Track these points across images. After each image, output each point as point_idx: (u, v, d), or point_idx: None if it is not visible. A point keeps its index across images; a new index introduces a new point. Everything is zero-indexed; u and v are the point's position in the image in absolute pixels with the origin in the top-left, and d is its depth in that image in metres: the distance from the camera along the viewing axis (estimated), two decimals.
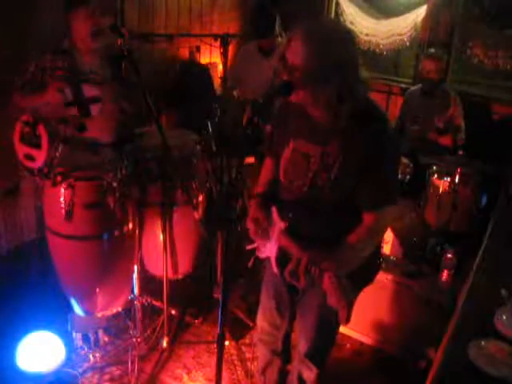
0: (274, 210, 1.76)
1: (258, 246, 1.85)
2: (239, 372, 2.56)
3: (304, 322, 1.91)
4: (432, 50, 3.76)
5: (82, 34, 2.26)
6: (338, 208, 1.66)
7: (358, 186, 1.60)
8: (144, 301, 2.66)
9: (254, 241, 1.85)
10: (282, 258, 1.73)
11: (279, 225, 1.71)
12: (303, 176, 1.69)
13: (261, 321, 2.09)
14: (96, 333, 2.59)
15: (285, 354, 2.13)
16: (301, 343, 1.94)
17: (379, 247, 1.95)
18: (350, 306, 1.37)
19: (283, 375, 2.16)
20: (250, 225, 1.80)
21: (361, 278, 1.79)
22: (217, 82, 4.04)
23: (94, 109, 2.27)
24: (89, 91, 2.25)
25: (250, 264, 1.88)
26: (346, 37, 1.56)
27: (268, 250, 1.81)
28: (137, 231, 2.43)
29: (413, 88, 3.97)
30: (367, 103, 1.62)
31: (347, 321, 1.39)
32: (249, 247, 1.87)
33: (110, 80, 2.34)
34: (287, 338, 2.10)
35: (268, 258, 1.83)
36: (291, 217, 1.69)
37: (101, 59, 2.35)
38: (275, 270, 1.78)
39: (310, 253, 1.54)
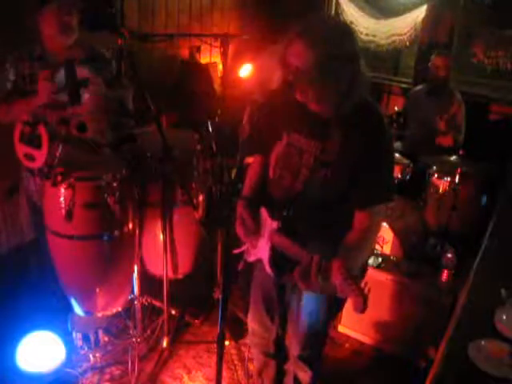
0: (263, 209, 1.74)
1: (246, 249, 1.84)
2: (239, 372, 2.56)
3: (294, 324, 1.91)
4: (439, 51, 3.80)
5: (51, 33, 2.22)
6: (332, 205, 1.66)
7: (353, 184, 1.60)
8: (144, 301, 2.66)
9: (243, 243, 1.84)
10: (276, 258, 1.72)
11: (271, 224, 1.69)
12: (295, 171, 1.68)
13: (251, 323, 2.09)
14: (96, 333, 2.58)
15: (279, 355, 2.12)
16: (293, 345, 1.94)
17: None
18: (364, 294, 1.34)
19: (280, 376, 2.15)
20: (238, 228, 1.79)
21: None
22: (217, 82, 4.04)
23: (84, 96, 2.24)
24: (79, 72, 2.22)
25: (240, 267, 1.87)
26: (348, 31, 1.56)
27: (259, 251, 1.79)
28: (137, 231, 2.43)
29: (417, 88, 3.98)
30: (367, 101, 1.62)
31: (364, 309, 1.34)
32: (236, 251, 1.86)
33: (93, 79, 2.31)
34: (279, 340, 2.09)
35: (258, 260, 1.81)
36: (285, 215, 1.68)
37: (77, 58, 2.33)
38: (269, 270, 1.76)
39: (317, 254, 1.51)
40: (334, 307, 1.97)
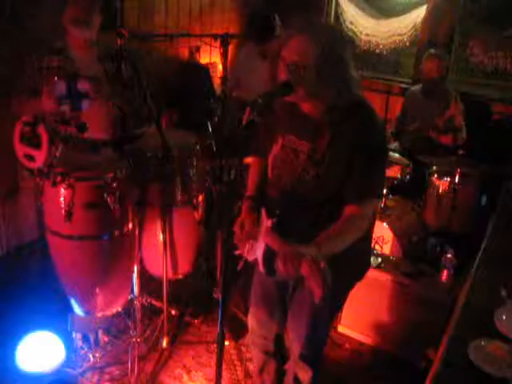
0: (262, 209, 1.77)
1: (246, 250, 1.85)
2: (239, 372, 2.56)
3: (296, 323, 1.91)
4: (432, 51, 3.77)
5: (65, 25, 2.28)
6: (326, 204, 1.67)
7: (344, 181, 1.61)
8: (144, 301, 2.66)
9: (239, 246, 1.85)
10: (269, 256, 1.73)
11: (266, 223, 1.71)
12: (291, 171, 1.70)
13: (251, 321, 2.09)
14: (96, 333, 2.58)
15: (279, 354, 2.13)
16: (294, 345, 1.93)
17: (368, 244, 1.95)
18: (326, 287, 1.40)
19: (280, 375, 2.15)
20: (236, 228, 1.81)
21: (349, 275, 1.80)
22: (217, 82, 4.04)
23: (84, 104, 2.27)
24: (81, 85, 2.26)
25: (239, 267, 1.88)
26: (343, 35, 1.73)
27: (256, 250, 1.81)
28: (137, 231, 2.43)
29: (413, 88, 3.97)
30: (359, 100, 1.64)
31: (321, 300, 1.43)
32: (237, 252, 1.88)
33: (104, 78, 2.34)
34: (279, 339, 2.09)
35: (256, 259, 1.82)
36: (278, 214, 1.69)
37: (95, 56, 2.35)
38: (261, 269, 1.78)
39: (292, 245, 1.53)
40: (335, 307, 1.97)
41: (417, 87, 3.91)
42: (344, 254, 1.60)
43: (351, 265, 1.71)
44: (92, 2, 2.28)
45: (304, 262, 1.43)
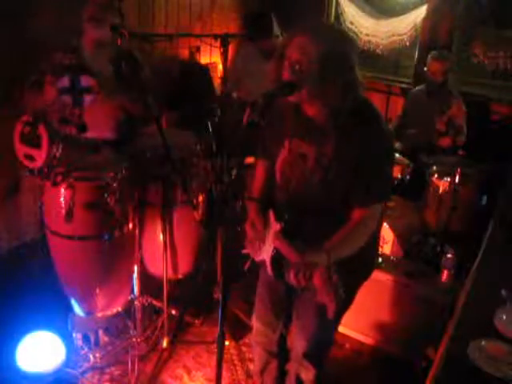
0: (270, 212, 1.77)
1: (254, 250, 1.86)
2: (239, 372, 2.56)
3: (303, 322, 1.91)
4: (438, 52, 3.77)
5: (83, 23, 2.31)
6: (334, 207, 1.66)
7: (353, 183, 1.61)
8: (144, 301, 2.66)
9: (249, 245, 1.86)
10: (278, 259, 1.73)
11: (274, 226, 1.71)
12: (300, 176, 1.70)
13: (255, 322, 2.09)
14: (96, 333, 2.58)
15: (281, 354, 2.13)
16: (299, 343, 1.93)
17: (376, 243, 1.94)
18: (339, 301, 1.39)
19: (281, 375, 2.15)
20: (248, 229, 1.82)
21: (357, 274, 1.80)
22: (217, 82, 4.04)
23: (87, 100, 2.28)
24: (85, 81, 2.26)
25: (246, 267, 1.88)
26: (348, 36, 1.66)
27: (263, 252, 1.81)
28: (137, 231, 2.43)
29: (416, 88, 3.97)
30: (364, 101, 1.63)
31: (333, 315, 1.44)
32: (244, 251, 1.88)
33: (113, 78, 2.35)
34: (282, 339, 2.10)
35: (264, 260, 1.83)
36: (287, 218, 1.69)
37: (107, 57, 2.37)
38: (270, 271, 1.78)
39: (303, 254, 1.54)
40: (343, 307, 1.97)
41: (420, 87, 3.91)
42: (353, 254, 1.60)
43: (360, 264, 1.72)
44: (109, 2, 2.30)
45: (316, 273, 1.43)
